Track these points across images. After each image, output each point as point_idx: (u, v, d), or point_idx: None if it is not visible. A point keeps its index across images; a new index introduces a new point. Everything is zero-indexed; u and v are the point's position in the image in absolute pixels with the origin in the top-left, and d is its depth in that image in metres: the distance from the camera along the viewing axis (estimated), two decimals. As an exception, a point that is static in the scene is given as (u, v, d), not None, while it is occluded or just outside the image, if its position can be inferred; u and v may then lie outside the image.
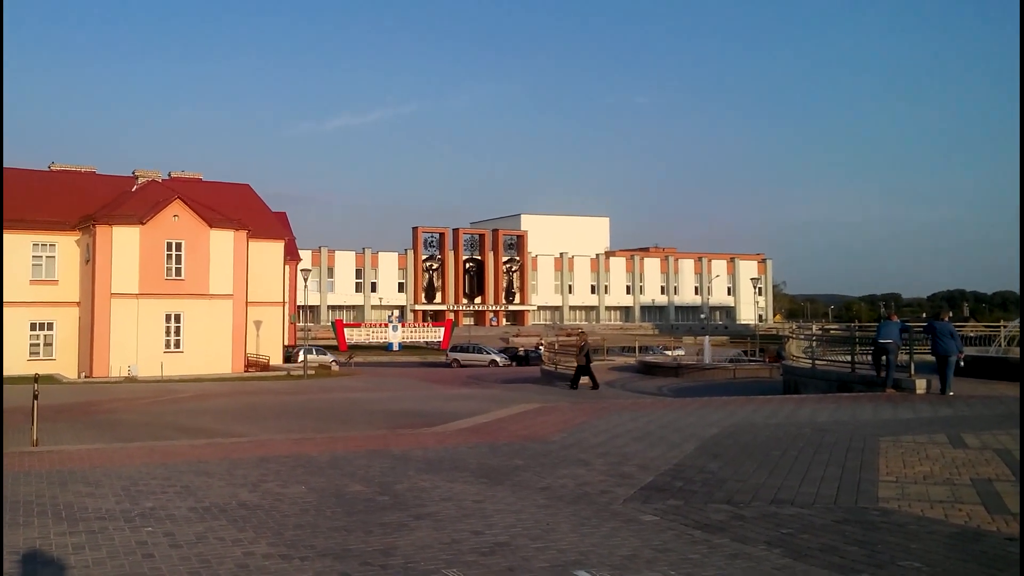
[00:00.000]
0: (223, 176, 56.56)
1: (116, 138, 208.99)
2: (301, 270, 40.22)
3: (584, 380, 22.88)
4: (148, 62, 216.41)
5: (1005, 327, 18.92)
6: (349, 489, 6.62)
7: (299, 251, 54.88)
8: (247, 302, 37.24)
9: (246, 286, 36.99)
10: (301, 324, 46.32)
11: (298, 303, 45.40)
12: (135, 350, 34.21)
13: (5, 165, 34.02)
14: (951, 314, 16.46)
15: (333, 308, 79.57)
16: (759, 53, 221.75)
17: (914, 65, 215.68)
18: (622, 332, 77.91)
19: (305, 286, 38.39)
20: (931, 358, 14.11)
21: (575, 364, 26.58)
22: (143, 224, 34.95)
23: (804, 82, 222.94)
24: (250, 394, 24.38)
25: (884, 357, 14.31)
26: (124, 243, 34.49)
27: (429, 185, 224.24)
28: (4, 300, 28.10)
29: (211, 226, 35.95)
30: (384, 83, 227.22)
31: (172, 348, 35.29)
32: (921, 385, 13.97)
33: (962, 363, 13.86)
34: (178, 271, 35.47)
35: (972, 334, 19.59)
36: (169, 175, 43.82)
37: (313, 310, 78.50)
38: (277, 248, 41.95)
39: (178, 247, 35.48)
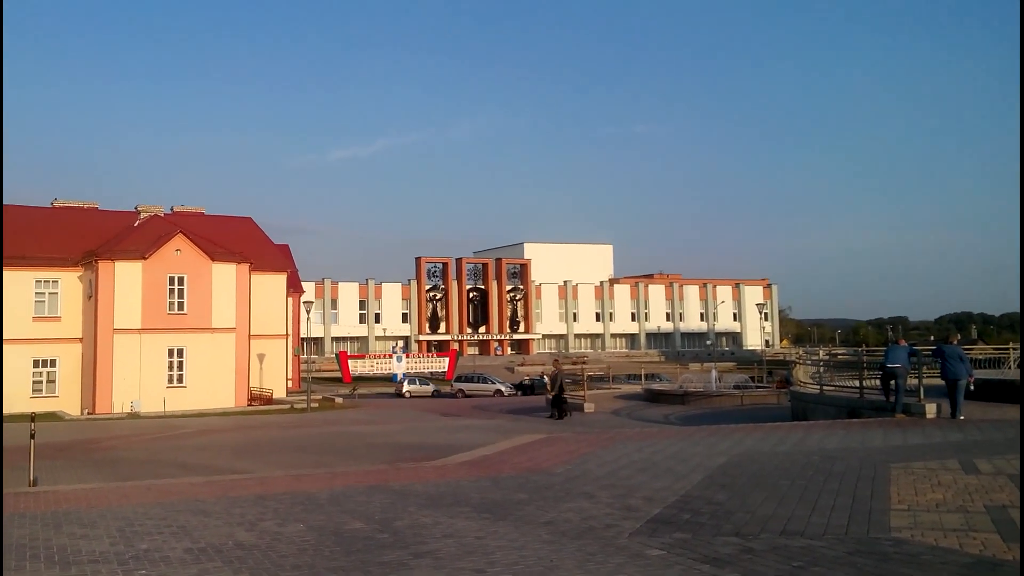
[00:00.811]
0: (226, 210, 57.20)
1: (119, 173, 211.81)
2: (304, 302, 40.30)
3: (576, 401, 22.64)
4: (150, 97, 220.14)
5: (1015, 349, 18.72)
6: (348, 527, 6.48)
7: (302, 283, 55.19)
8: (250, 335, 37.24)
9: (249, 319, 37.03)
10: (304, 356, 46.19)
11: (301, 335, 45.33)
12: (138, 386, 34.13)
13: (7, 203, 34.36)
14: (960, 337, 16.30)
15: (337, 340, 79.45)
16: (762, 81, 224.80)
17: (918, 89, 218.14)
18: (628, 360, 77.44)
19: (307, 318, 38.38)
20: (940, 382, 13.92)
21: (583, 392, 26.45)
22: (145, 259, 35.16)
23: (808, 109, 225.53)
24: (253, 429, 24.22)
25: (893, 382, 14.15)
26: (126, 278, 34.65)
27: (432, 215, 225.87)
28: (6, 338, 28.13)
29: (213, 259, 36.15)
30: (387, 113, 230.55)
31: (175, 383, 35.20)
32: (931, 409, 13.78)
33: (972, 387, 13.66)
34: (180, 305, 35.55)
35: (981, 357, 19.39)
36: (172, 209, 44.23)
37: (317, 342, 78.39)
38: (280, 280, 42.09)
39: (180, 281, 35.62)
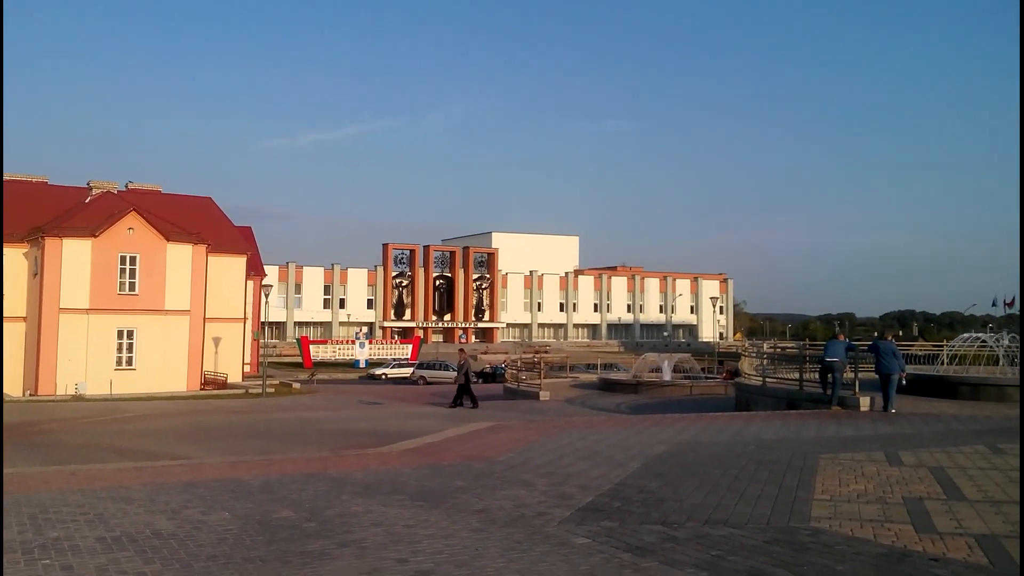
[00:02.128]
0: (187, 189, 55.43)
1: (71, 148, 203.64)
2: (263, 285, 39.49)
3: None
4: (108, 69, 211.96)
5: (950, 346, 19.46)
6: (276, 515, 6.36)
7: (265, 266, 54.17)
8: (205, 318, 36.31)
9: (204, 302, 36.08)
10: (264, 341, 45.38)
11: (261, 319, 44.52)
12: (84, 367, 33.07)
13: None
14: (900, 333, 16.89)
15: (300, 325, 78.27)
16: (724, 85, 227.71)
17: (869, 99, 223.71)
18: (588, 350, 78.16)
19: (266, 302, 37.65)
20: (875, 376, 14.37)
21: (539, 380, 26.62)
22: (96, 237, 33.96)
23: (765, 114, 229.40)
24: (202, 413, 23.64)
25: (830, 375, 14.54)
26: (75, 256, 33.43)
27: (401, 202, 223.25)
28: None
29: (168, 239, 35.12)
30: (358, 98, 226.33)
31: (124, 365, 34.18)
32: (865, 403, 14.20)
33: (904, 382, 14.16)
34: (132, 286, 34.44)
35: (919, 353, 20.12)
36: (127, 186, 42.80)
37: (279, 327, 77.14)
38: (239, 263, 41.06)
39: (132, 261, 34.47)
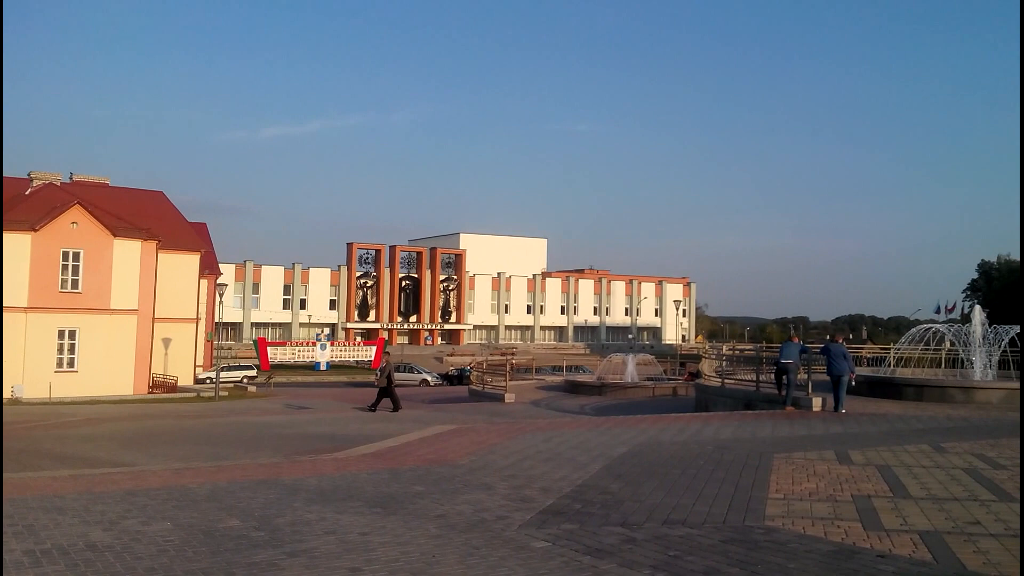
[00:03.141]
0: (137, 182, 53.67)
1: (10, 135, 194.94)
2: (218, 284, 38.34)
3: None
4: (52, 51, 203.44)
5: (897, 349, 20.18)
6: (222, 525, 6.13)
7: (220, 265, 52.57)
8: (154, 318, 35.09)
9: (154, 301, 34.81)
10: (219, 342, 44.23)
11: (216, 320, 43.39)
12: (21, 369, 31.53)
13: None
14: (851, 336, 17.45)
15: (258, 325, 76.56)
16: (689, 91, 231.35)
17: (825, 111, 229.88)
18: (555, 352, 78.46)
19: (221, 302, 36.57)
20: (827, 378, 14.78)
21: (505, 383, 26.60)
22: (35, 231, 32.45)
23: (728, 122, 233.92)
24: (150, 418, 22.77)
25: (785, 376, 14.92)
26: (12, 251, 31.54)
27: (366, 201, 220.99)
28: None
29: (115, 235, 33.77)
30: (324, 93, 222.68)
31: (65, 367, 32.69)
32: (817, 403, 14.60)
33: (853, 383, 14.61)
34: (75, 283, 32.97)
35: (868, 355, 20.81)
36: (71, 178, 41.20)
37: (235, 327, 75.35)
38: (192, 261, 39.78)
39: (76, 257, 33.03)
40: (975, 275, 56.68)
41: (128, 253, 34.10)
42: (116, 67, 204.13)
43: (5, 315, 31.54)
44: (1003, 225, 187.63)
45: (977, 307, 19.38)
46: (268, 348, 51.41)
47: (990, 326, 17.78)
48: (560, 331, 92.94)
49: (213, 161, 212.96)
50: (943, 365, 19.45)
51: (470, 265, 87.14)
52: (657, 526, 5.97)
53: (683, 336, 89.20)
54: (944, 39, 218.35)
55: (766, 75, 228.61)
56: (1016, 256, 55.24)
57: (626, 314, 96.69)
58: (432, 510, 6.63)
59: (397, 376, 47.42)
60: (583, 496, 7.10)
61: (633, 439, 11.04)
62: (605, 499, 6.96)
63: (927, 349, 19.03)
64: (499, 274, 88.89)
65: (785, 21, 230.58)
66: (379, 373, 23.21)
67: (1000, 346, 17.22)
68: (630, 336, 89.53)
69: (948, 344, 18.99)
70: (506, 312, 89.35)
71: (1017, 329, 17.07)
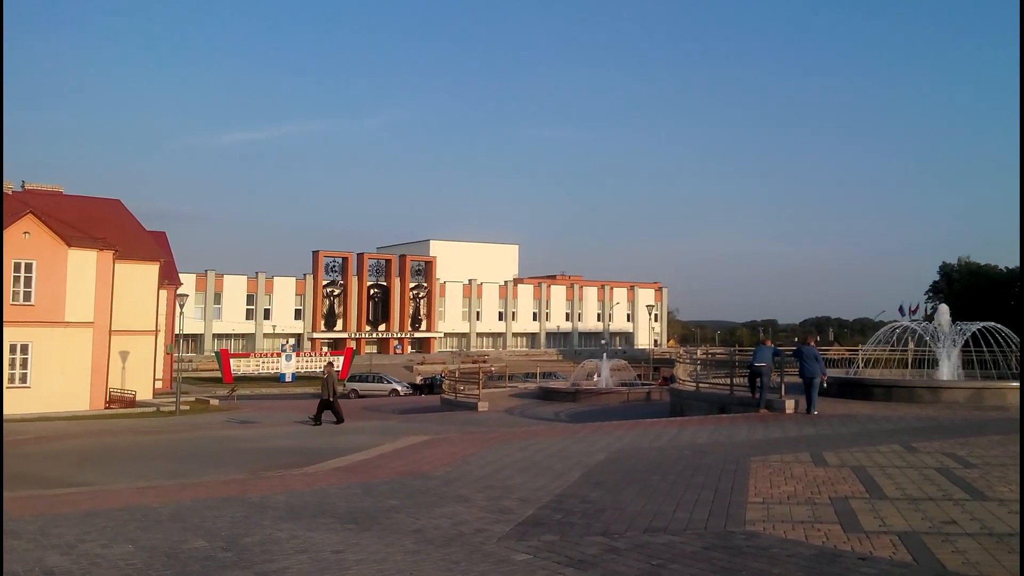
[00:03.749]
0: (93, 191, 51.90)
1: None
2: (178, 295, 37.28)
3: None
4: (5, 54, 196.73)
5: (863, 350, 20.63)
6: (187, 545, 5.88)
7: (181, 274, 51.29)
8: (111, 330, 33.95)
9: (110, 313, 33.67)
10: (179, 354, 43.07)
11: (176, 331, 42.24)
12: (-33, 385, 30.16)
13: None
14: (818, 338, 17.73)
15: (220, 337, 74.86)
16: (659, 96, 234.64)
17: (790, 117, 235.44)
18: (527, 358, 78.45)
19: (181, 312, 35.58)
20: (799, 380, 14.97)
21: (477, 391, 26.38)
22: (-16, 241, 31.32)
23: (698, 128, 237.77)
24: (107, 434, 21.93)
25: (758, 379, 15.07)
26: (-41, 262, 30.59)
27: (333, 208, 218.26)
28: None
29: (70, 245, 32.61)
30: (288, 98, 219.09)
31: (16, 383, 31.15)
32: (790, 405, 14.77)
33: (824, 384, 14.84)
34: (27, 295, 31.65)
35: (835, 357, 21.24)
36: (23, 186, 39.88)
37: (196, 339, 73.61)
38: (151, 271, 38.72)
39: (28, 268, 31.75)
40: (936, 277, 58.38)
41: (83, 264, 33.05)
42: (69, 70, 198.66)
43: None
44: (962, 228, 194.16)
45: (943, 306, 19.89)
46: (231, 360, 50.39)
47: (953, 323, 18.28)
48: (532, 338, 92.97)
49: (172, 167, 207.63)
50: (910, 365, 19.92)
51: (441, 272, 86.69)
52: (639, 534, 5.91)
53: (655, 341, 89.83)
54: (907, 42, 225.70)
55: (736, 80, 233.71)
56: (976, 259, 57.20)
57: (598, 320, 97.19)
58: (408, 525, 6.46)
59: (365, 386, 47.31)
60: (563, 506, 7.01)
61: (610, 446, 10.98)
62: (585, 508, 6.88)
63: (894, 350, 19.47)
64: (470, 281, 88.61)
65: (753, 24, 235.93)
66: (323, 385, 22.83)
67: (963, 339, 17.66)
68: (603, 341, 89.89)
69: (912, 344, 19.45)
70: (478, 319, 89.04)
71: (979, 326, 17.55)
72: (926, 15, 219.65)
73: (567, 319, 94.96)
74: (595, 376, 31.29)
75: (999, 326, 17.42)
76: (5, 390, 30.46)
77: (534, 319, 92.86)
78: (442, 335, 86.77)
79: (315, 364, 55.30)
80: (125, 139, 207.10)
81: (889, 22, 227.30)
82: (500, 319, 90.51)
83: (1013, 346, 17.19)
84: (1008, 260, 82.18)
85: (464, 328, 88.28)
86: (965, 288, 50.81)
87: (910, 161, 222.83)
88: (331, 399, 22.15)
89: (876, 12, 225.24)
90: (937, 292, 56.46)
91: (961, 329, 17.79)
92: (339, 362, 55.45)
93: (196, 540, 6.08)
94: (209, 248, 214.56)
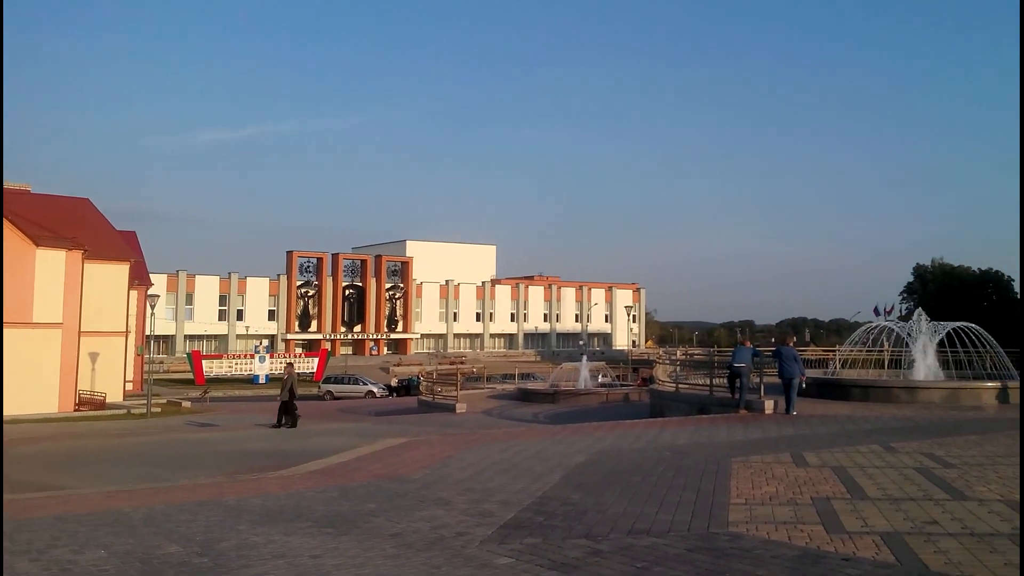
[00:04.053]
0: (62, 189, 50.74)
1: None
2: (149, 295, 36.59)
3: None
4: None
5: (840, 351, 20.92)
6: (162, 551, 5.73)
7: (152, 275, 50.56)
8: (80, 332, 33.23)
9: (80, 313, 32.97)
10: (150, 356, 42.28)
11: (147, 332, 41.41)
12: (-70, 387, 29.25)
13: None
14: (795, 339, 17.90)
15: (191, 338, 73.58)
16: (637, 97, 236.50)
17: (763, 118, 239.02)
18: (505, 359, 78.36)
19: (152, 313, 34.89)
20: (778, 380, 15.07)
21: (455, 392, 26.22)
22: (-50, 241, 30.36)
23: (675, 130, 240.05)
24: (77, 437, 21.44)
25: (738, 380, 15.13)
26: (-78, 262, 29.59)
27: (307, 208, 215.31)
28: None
29: (37, 245, 31.85)
30: (262, 98, 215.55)
31: None
32: (769, 406, 14.85)
33: (803, 385, 14.96)
34: (-7, 296, 31.05)
35: (812, 358, 21.50)
36: (-12, 185, 38.76)
37: (168, 340, 72.33)
38: (121, 271, 37.99)
39: (-6, 268, 31.10)
40: (911, 278, 59.27)
41: (52, 264, 32.30)
42: (37, 66, 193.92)
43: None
44: (935, 230, 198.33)
45: (919, 310, 20.30)
46: (203, 361, 49.61)
47: (929, 322, 18.62)
48: (510, 339, 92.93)
49: (142, 166, 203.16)
50: (886, 366, 20.22)
51: (417, 273, 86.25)
52: (622, 537, 5.85)
53: (633, 342, 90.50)
54: (883, 41, 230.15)
55: (715, 81, 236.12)
56: (950, 260, 58.31)
57: (576, 320, 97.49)
58: (387, 528, 6.34)
59: (341, 388, 46.84)
60: (544, 508, 6.92)
61: (591, 447, 10.92)
62: (567, 510, 6.80)
63: (871, 351, 19.77)
64: (447, 282, 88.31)
65: (733, 27, 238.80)
66: (282, 387, 22.50)
67: (938, 338, 17.97)
68: (581, 342, 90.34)
69: (888, 345, 19.77)
70: (455, 320, 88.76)
71: (953, 326, 17.87)
72: (903, 15, 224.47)
73: (545, 320, 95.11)
74: (575, 378, 31.29)
75: (973, 326, 17.77)
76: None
77: (512, 320, 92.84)
78: (419, 336, 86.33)
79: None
80: (94, 137, 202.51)
81: (862, 19, 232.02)
82: (478, 320, 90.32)
83: (987, 346, 17.53)
84: (980, 262, 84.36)
85: (441, 329, 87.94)
86: (939, 289, 51.75)
87: (885, 164, 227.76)
88: (290, 400, 21.82)
89: (840, 8, 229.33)
90: (911, 293, 57.37)
91: (936, 328, 18.13)
92: (313, 363, 54.92)
93: (170, 545, 5.95)
94: (181, 248, 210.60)
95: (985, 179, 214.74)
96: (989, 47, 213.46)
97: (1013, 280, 51.09)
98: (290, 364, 28.26)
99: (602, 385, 30.12)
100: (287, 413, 21.79)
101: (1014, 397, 15.92)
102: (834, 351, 21.58)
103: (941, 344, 17.98)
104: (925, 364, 18.05)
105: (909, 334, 18.44)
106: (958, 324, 17.73)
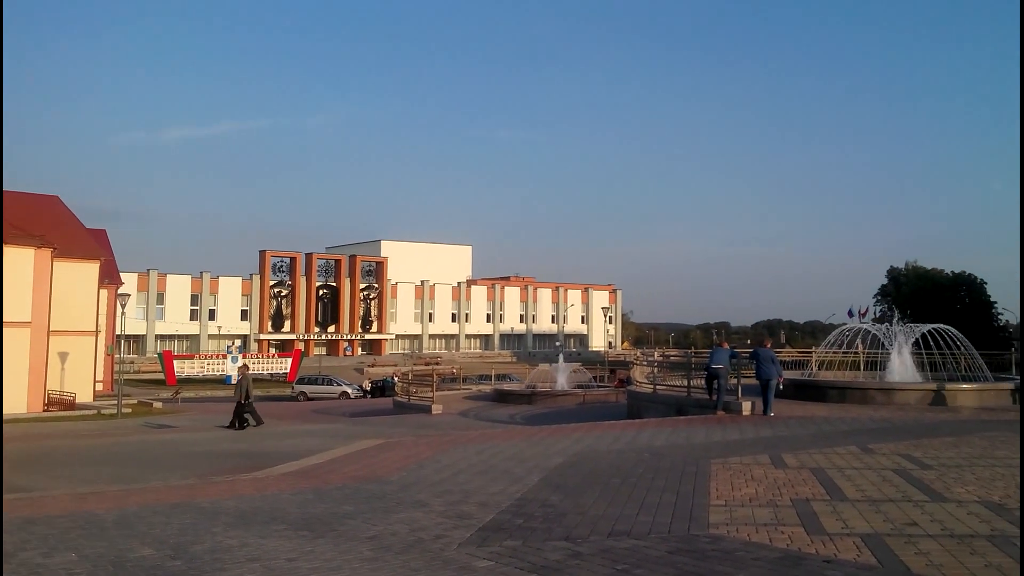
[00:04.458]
0: (30, 187, 49.32)
1: None
2: (119, 295, 35.92)
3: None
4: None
5: (817, 352, 21.19)
6: (134, 554, 5.60)
7: (122, 274, 49.84)
8: (49, 331, 32.60)
9: (49, 313, 32.38)
10: (120, 356, 41.37)
11: (117, 332, 40.60)
12: None
13: None
14: (772, 341, 18.05)
15: (163, 338, 72.29)
16: (610, 98, 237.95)
17: (736, 117, 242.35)
18: (481, 360, 78.18)
19: (123, 313, 34.21)
20: (756, 382, 15.15)
21: (431, 393, 26.00)
22: (-85, 239, 29.50)
23: (649, 130, 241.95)
24: (46, 438, 20.93)
25: (716, 381, 15.18)
26: None
27: (280, 208, 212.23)
28: None
29: (6, 243, 31.13)
30: (234, 95, 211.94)
31: None
32: (747, 407, 14.89)
33: (781, 386, 15.07)
34: (-40, 295, 30.22)
35: (788, 359, 21.74)
36: (-46, 181, 37.69)
37: (139, 340, 70.97)
38: (91, 269, 37.33)
39: (-39, 267, 30.28)
40: (885, 281, 60.09)
41: (20, 262, 31.58)
42: (4, 63, 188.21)
43: None
44: (909, 233, 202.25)
45: (895, 316, 20.66)
46: (175, 362, 48.77)
47: (903, 323, 18.92)
48: (486, 339, 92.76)
49: (112, 165, 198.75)
50: (862, 367, 20.51)
51: (392, 273, 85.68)
52: (602, 539, 5.79)
53: (610, 343, 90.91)
54: (863, 43, 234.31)
55: (690, 82, 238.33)
56: (924, 264, 59.33)
57: (552, 321, 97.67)
58: (364, 531, 6.23)
59: (314, 388, 46.28)
60: (523, 510, 6.84)
61: (569, 448, 10.85)
62: (546, 512, 6.72)
63: (847, 353, 20.04)
64: (423, 282, 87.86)
65: (706, 26, 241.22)
66: (236, 388, 22.17)
67: (913, 338, 18.26)
68: (557, 343, 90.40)
69: (863, 347, 20.06)
70: (430, 321, 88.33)
71: (928, 327, 18.18)
72: (871, 17, 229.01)
73: (521, 321, 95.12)
74: (552, 379, 31.26)
75: (948, 328, 18.09)
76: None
77: (487, 321, 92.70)
78: (393, 337, 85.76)
79: (263, 366, 53.94)
80: (64, 135, 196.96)
81: (832, 22, 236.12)
82: (453, 321, 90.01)
83: (961, 347, 17.85)
84: (953, 265, 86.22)
85: (416, 330, 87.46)
86: (912, 292, 52.60)
87: (859, 168, 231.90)
88: (244, 401, 21.46)
89: (811, 9, 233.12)
90: (885, 295, 58.16)
91: (912, 329, 18.43)
92: (286, 363, 54.18)
93: (143, 548, 5.83)
94: (152, 247, 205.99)
95: (959, 183, 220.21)
96: (961, 50, 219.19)
97: (986, 283, 52.24)
98: (244, 365, 28.01)
99: (579, 386, 30.12)
100: (241, 414, 21.43)
101: (951, 400, 16.12)
102: (810, 353, 21.84)
103: (916, 345, 18.24)
104: (901, 366, 18.27)
105: (885, 335, 18.72)
106: (933, 326, 18.04)
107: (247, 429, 21.04)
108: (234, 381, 50.86)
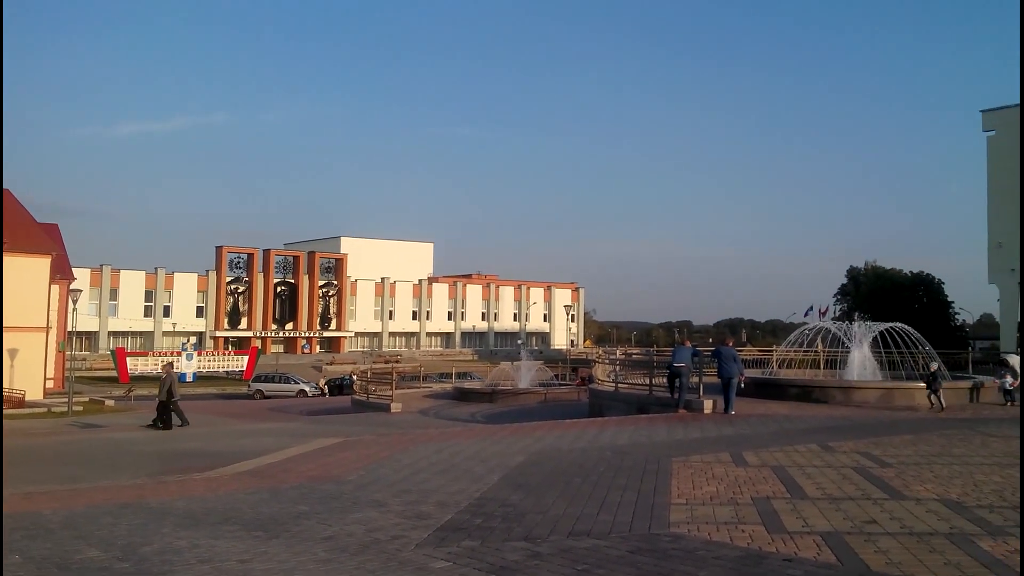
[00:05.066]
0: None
1: None
2: (71, 290, 34.77)
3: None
4: None
5: (778, 351, 21.54)
6: (80, 556, 5.43)
7: (74, 269, 48.39)
8: (-2, 327, 31.26)
9: (-2, 308, 31.06)
10: (72, 353, 39.92)
11: (68, 329, 39.24)
12: None
13: None
14: (734, 340, 18.25)
15: (116, 335, 69.94)
16: (571, 95, 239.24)
17: (701, 115, 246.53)
18: (442, 358, 77.69)
19: (74, 309, 33.05)
20: (717, 380, 15.26)
21: (390, 391, 25.60)
22: None
23: (611, 128, 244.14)
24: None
25: (677, 380, 15.22)
26: None
27: (237, 203, 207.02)
28: None
29: (-50, 237, 29.73)
30: (189, 89, 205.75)
31: None
32: (708, 405, 14.96)
33: (742, 384, 15.20)
34: (-99, 289, 28.62)
35: (749, 358, 22.04)
36: (-103, 175, 35.83)
37: (91, 337, 68.58)
38: (42, 264, 36.31)
39: (-97, 260, 28.67)
40: (844, 280, 61.32)
41: (-34, 256, 30.05)
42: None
43: None
44: (869, 234, 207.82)
45: (856, 315, 21.12)
46: (128, 359, 47.25)
47: (861, 322, 19.31)
48: (447, 337, 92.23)
49: (65, 159, 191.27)
50: (822, 366, 20.90)
51: (352, 270, 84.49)
52: (562, 539, 5.71)
53: (572, 341, 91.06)
54: (825, 43, 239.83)
55: (652, 83, 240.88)
56: (883, 264, 60.75)
57: (515, 319, 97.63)
58: (319, 532, 6.07)
59: (271, 387, 45.37)
60: (483, 510, 6.71)
61: (530, 447, 10.73)
62: (506, 512, 6.61)
63: (808, 351, 20.39)
64: (383, 279, 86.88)
65: (672, 26, 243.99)
66: (160, 388, 21.63)
67: (871, 336, 18.64)
68: (519, 342, 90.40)
69: (823, 346, 20.43)
70: (390, 318, 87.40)
71: (886, 326, 18.58)
72: (834, 17, 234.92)
73: (483, 319, 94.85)
74: (513, 377, 31.13)
75: (906, 327, 18.50)
76: None
77: (449, 319, 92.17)
78: (353, 335, 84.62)
79: (218, 364, 52.66)
80: (15, 127, 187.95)
81: (793, 23, 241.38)
82: (414, 318, 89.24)
83: (919, 346, 18.26)
84: (911, 265, 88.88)
85: (376, 327, 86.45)
86: (872, 291, 53.69)
87: (820, 168, 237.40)
88: (167, 400, 20.85)
89: (774, 9, 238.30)
90: (845, 295, 59.20)
91: (870, 328, 18.81)
92: (243, 361, 52.91)
93: (90, 550, 5.65)
94: (106, 243, 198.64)
95: (919, 185, 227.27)
96: (926, 51, 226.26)
97: (944, 283, 53.63)
98: (169, 364, 27.35)
99: (541, 384, 30.08)
100: (165, 413, 20.78)
101: (909, 398, 16.42)
102: (771, 351, 22.16)
103: (875, 343, 18.60)
104: (861, 364, 18.58)
105: (846, 334, 19.08)
106: (890, 325, 18.44)
107: (187, 428, 20.39)
108: (188, 380, 49.61)
